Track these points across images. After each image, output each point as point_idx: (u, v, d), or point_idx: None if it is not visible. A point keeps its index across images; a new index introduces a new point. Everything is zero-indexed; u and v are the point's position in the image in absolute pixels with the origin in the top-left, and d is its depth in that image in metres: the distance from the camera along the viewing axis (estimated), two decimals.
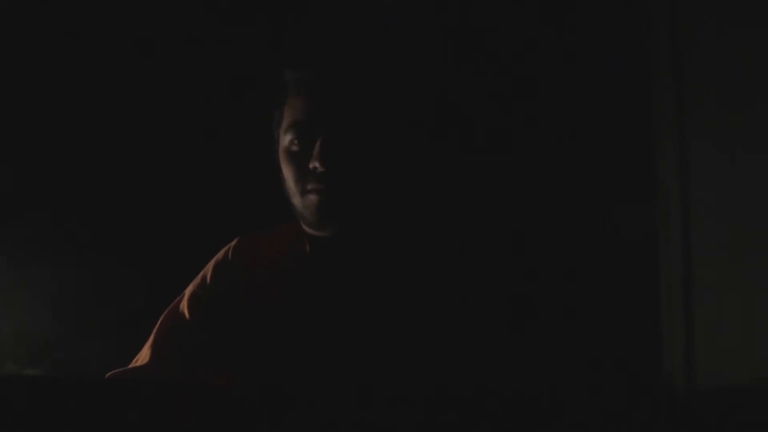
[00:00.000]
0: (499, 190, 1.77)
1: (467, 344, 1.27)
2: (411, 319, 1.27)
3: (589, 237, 1.73)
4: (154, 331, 1.39)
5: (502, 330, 1.30)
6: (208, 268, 1.42)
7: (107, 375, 1.35)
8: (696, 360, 1.42)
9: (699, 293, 1.43)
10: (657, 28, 1.47)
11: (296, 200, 1.30)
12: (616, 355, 1.64)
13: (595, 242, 1.73)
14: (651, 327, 1.54)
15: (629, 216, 1.67)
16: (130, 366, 1.37)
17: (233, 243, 1.43)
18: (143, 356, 1.37)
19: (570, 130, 1.76)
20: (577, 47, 1.76)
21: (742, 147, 1.36)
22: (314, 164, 1.25)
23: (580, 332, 1.65)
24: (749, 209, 1.34)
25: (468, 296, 1.29)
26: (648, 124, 1.55)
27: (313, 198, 1.27)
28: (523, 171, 1.78)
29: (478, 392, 1.19)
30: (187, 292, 1.41)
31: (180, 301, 1.41)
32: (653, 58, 1.50)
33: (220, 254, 1.43)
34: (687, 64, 1.44)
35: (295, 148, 1.29)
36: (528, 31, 1.77)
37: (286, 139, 1.30)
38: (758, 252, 1.31)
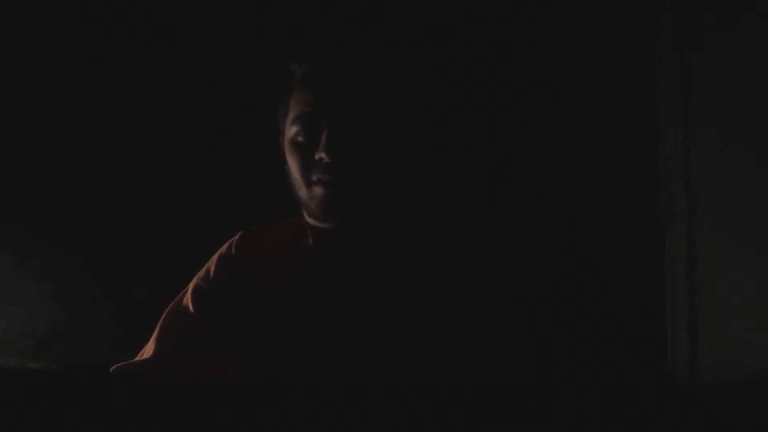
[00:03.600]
0: (503, 182, 1.77)
1: (469, 336, 1.27)
2: (413, 311, 1.27)
3: (592, 228, 1.73)
4: (159, 324, 1.40)
5: (504, 322, 1.30)
6: (212, 262, 1.42)
7: (112, 368, 1.35)
8: (700, 352, 1.42)
9: (703, 285, 1.43)
10: (662, 20, 1.47)
11: (302, 191, 1.30)
12: (619, 347, 1.64)
13: (599, 234, 1.73)
14: (655, 319, 1.53)
15: (633, 208, 1.67)
16: (135, 360, 1.37)
17: (236, 237, 1.43)
18: (148, 350, 1.37)
19: (574, 121, 1.76)
20: (582, 39, 1.76)
21: (747, 137, 1.35)
22: (320, 155, 1.25)
23: (583, 324, 1.65)
24: (754, 201, 1.34)
25: (470, 289, 1.29)
26: (652, 114, 1.55)
27: (318, 189, 1.27)
28: (527, 162, 1.78)
29: (481, 383, 1.19)
30: (191, 285, 1.41)
31: (184, 294, 1.41)
32: (657, 48, 1.50)
33: (224, 248, 1.43)
34: (692, 55, 1.44)
35: (300, 139, 1.29)
36: (533, 21, 1.77)
37: (291, 131, 1.30)
38: (763, 244, 1.31)
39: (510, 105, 1.78)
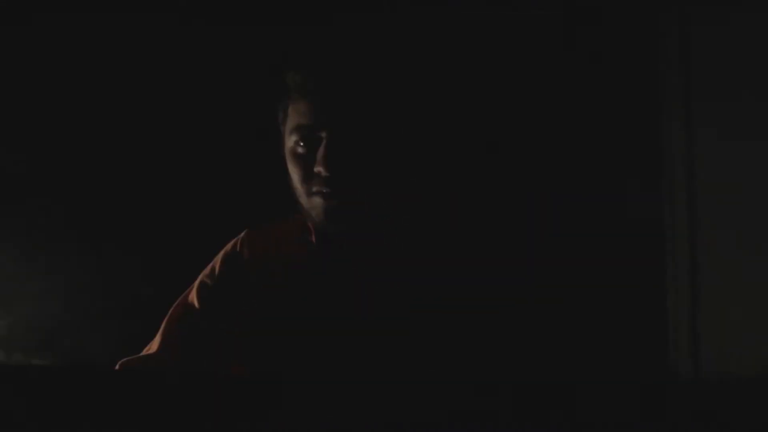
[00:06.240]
0: (503, 178, 1.77)
1: (468, 334, 1.28)
2: (414, 309, 1.28)
3: (594, 225, 1.74)
4: (165, 320, 1.41)
5: (503, 319, 1.31)
6: (217, 260, 1.43)
7: (118, 363, 1.36)
8: (702, 349, 1.43)
9: (705, 281, 1.44)
10: (666, 19, 1.47)
11: (302, 200, 1.31)
12: (621, 344, 1.65)
13: (601, 232, 1.73)
14: (657, 316, 1.54)
15: (635, 205, 1.67)
16: (141, 354, 1.38)
17: (242, 235, 1.44)
18: (154, 345, 1.38)
19: (578, 120, 1.77)
20: (587, 38, 1.76)
21: (749, 137, 1.36)
22: (319, 169, 1.26)
23: (585, 322, 1.65)
24: (755, 198, 1.34)
25: (468, 286, 1.30)
26: (655, 112, 1.55)
27: (318, 200, 1.28)
28: (530, 162, 1.78)
29: (480, 380, 1.20)
30: (197, 282, 1.42)
31: (190, 291, 1.42)
32: (662, 48, 1.50)
33: (229, 246, 1.44)
34: (695, 55, 1.44)
35: (300, 150, 1.30)
36: (541, 21, 1.77)
37: (291, 140, 1.31)
38: (764, 239, 1.32)
39: (513, 103, 1.78)
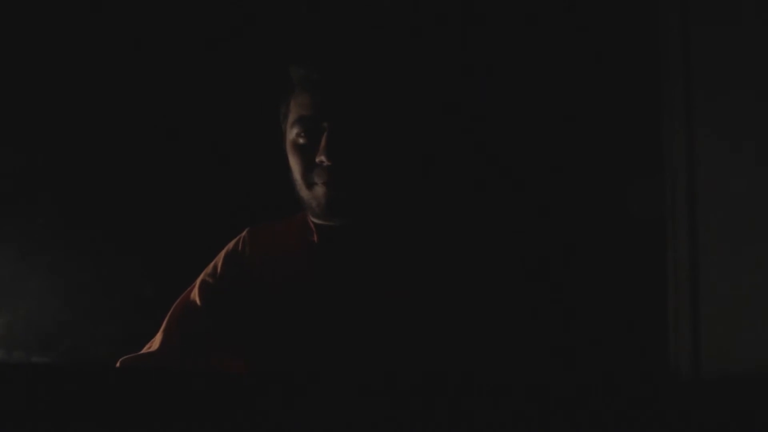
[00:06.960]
0: (505, 176, 1.77)
1: (471, 332, 1.28)
2: (417, 307, 1.28)
3: (595, 223, 1.74)
4: (166, 317, 1.41)
5: (505, 317, 1.31)
6: (219, 258, 1.44)
7: (119, 361, 1.36)
8: (702, 348, 1.43)
9: (705, 281, 1.44)
10: (667, 19, 1.47)
11: (303, 192, 1.32)
12: (621, 343, 1.65)
13: (601, 228, 1.73)
14: (657, 315, 1.54)
15: (636, 202, 1.67)
16: (142, 352, 1.39)
17: (243, 233, 1.45)
18: (155, 343, 1.39)
19: (578, 116, 1.77)
20: (588, 37, 1.76)
21: (750, 134, 1.36)
22: (320, 158, 1.27)
23: (585, 321, 1.65)
24: (756, 196, 1.34)
25: (471, 284, 1.31)
26: (656, 109, 1.55)
27: (319, 190, 1.29)
28: (529, 156, 1.78)
29: (483, 378, 1.20)
30: (198, 280, 1.43)
31: (192, 289, 1.43)
32: (663, 47, 1.50)
33: (231, 245, 1.45)
34: (697, 54, 1.44)
35: (301, 141, 1.31)
36: (539, 20, 1.77)
37: (292, 133, 1.32)
38: (765, 238, 1.31)
39: (513, 100, 1.79)
